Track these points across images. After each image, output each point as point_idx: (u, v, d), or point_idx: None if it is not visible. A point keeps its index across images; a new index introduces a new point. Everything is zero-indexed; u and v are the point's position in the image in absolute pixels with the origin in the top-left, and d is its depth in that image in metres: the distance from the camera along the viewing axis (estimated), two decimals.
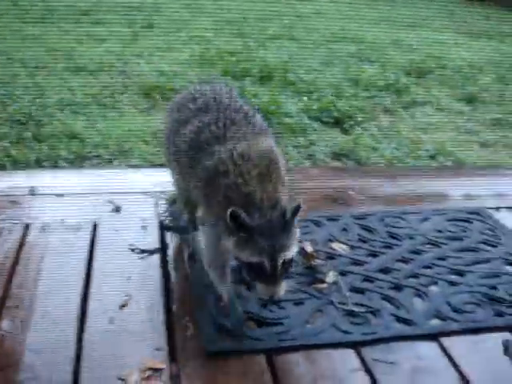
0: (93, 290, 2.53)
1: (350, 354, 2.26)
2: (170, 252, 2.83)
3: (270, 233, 2.12)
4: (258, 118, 2.57)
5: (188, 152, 2.49)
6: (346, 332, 2.33)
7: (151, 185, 3.49)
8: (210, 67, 7.32)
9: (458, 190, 3.75)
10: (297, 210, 2.16)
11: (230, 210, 2.09)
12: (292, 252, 2.20)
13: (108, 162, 4.75)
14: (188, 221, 2.83)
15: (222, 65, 7.40)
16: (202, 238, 2.58)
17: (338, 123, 5.99)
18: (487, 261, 2.89)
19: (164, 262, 2.76)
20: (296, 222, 2.21)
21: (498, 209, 3.47)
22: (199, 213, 2.63)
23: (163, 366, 2.14)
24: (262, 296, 2.22)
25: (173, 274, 2.68)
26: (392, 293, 2.57)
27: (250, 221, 2.12)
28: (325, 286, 2.58)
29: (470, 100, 7.04)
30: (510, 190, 3.79)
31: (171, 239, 2.92)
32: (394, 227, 3.11)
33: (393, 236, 3.02)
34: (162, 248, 2.85)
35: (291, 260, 2.21)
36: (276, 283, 2.16)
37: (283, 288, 2.19)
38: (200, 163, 2.37)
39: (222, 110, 2.49)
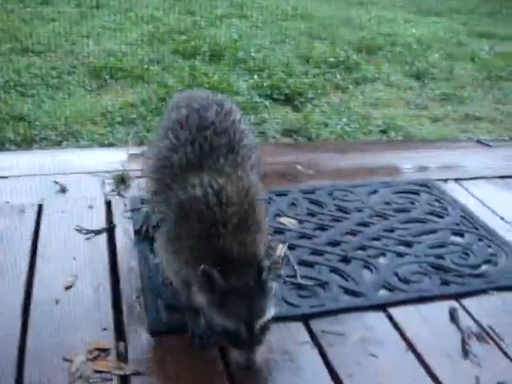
0: (38, 272, 2.46)
1: (298, 326, 2.26)
2: (117, 232, 2.77)
3: (247, 295, 1.90)
4: (246, 141, 2.24)
5: (161, 172, 2.22)
6: (294, 305, 2.32)
7: (98, 165, 3.42)
8: (159, 46, 7.23)
9: (407, 163, 3.78)
10: (274, 266, 2.03)
11: (201, 267, 1.87)
12: (269, 314, 1.95)
13: (57, 144, 4.66)
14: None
15: (172, 44, 7.31)
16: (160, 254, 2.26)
17: (288, 100, 6.00)
18: (434, 231, 2.92)
19: (111, 242, 2.70)
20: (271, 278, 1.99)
21: (445, 180, 3.51)
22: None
23: (110, 345, 2.10)
24: (238, 361, 1.98)
25: (120, 253, 2.62)
26: (340, 265, 2.58)
27: (225, 282, 1.87)
28: (273, 260, 2.56)
29: (420, 76, 7.13)
30: (457, 162, 3.84)
31: (118, 219, 2.86)
32: (343, 200, 3.11)
33: (341, 209, 3.03)
34: (109, 228, 2.79)
35: (268, 323, 1.96)
36: (252, 350, 1.93)
37: (259, 353, 1.96)
38: (171, 190, 2.10)
39: (203, 128, 2.17)
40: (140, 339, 2.15)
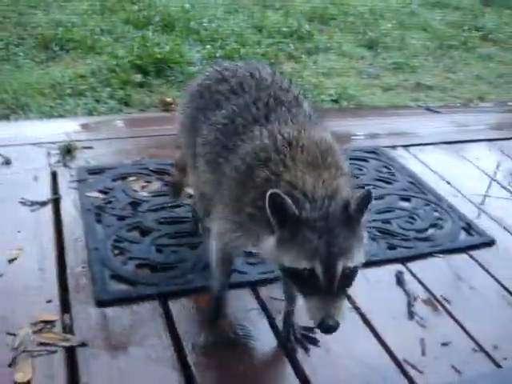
0: None
1: (247, 293, 2.26)
2: (63, 203, 2.71)
3: (327, 229, 1.54)
4: (308, 103, 2.03)
5: (219, 142, 1.94)
6: (242, 272, 2.33)
7: (43, 136, 3.34)
8: (110, 16, 7.08)
9: (357, 131, 3.79)
10: (366, 201, 1.58)
11: (270, 191, 1.54)
12: (356, 260, 1.59)
13: (4, 117, 4.53)
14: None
15: (123, 14, 7.16)
16: (213, 227, 1.99)
17: None
18: (382, 197, 2.94)
19: (56, 214, 2.64)
20: (364, 220, 1.63)
21: (394, 147, 3.53)
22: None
23: (55, 317, 2.07)
24: (311, 318, 1.58)
25: (65, 225, 2.57)
26: None
27: (298, 210, 1.56)
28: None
29: (372, 45, 7.14)
30: (406, 129, 3.87)
31: (64, 190, 2.80)
32: None
33: None
34: (54, 199, 2.73)
35: (355, 271, 1.61)
36: (333, 301, 1.56)
37: (343, 310, 1.58)
38: (234, 151, 1.83)
39: (264, 88, 1.97)
40: (86, 310, 2.12)
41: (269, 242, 1.63)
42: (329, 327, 1.54)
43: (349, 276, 1.58)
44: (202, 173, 2.09)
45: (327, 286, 1.54)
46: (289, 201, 1.54)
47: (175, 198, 2.71)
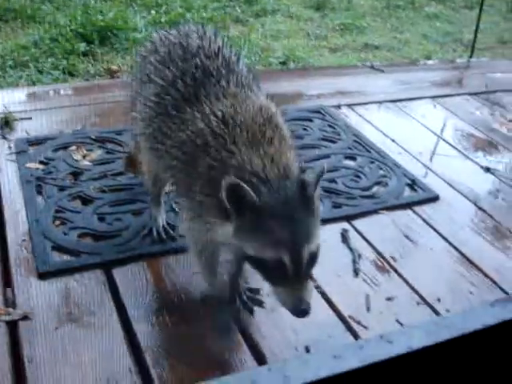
0: None
1: (190, 258, 2.22)
2: (2, 175, 2.63)
3: (288, 215, 1.50)
4: (242, 64, 1.90)
5: (153, 122, 1.86)
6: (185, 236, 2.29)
7: None
8: None
9: (302, 91, 3.77)
10: (319, 178, 1.55)
11: (225, 180, 1.49)
12: (318, 241, 1.58)
13: None
14: (153, 198, 2.35)
15: None
16: (183, 222, 1.95)
17: None
18: (327, 156, 2.95)
19: None
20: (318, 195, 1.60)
21: (338, 106, 3.53)
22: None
23: None
24: (283, 305, 1.58)
25: (5, 197, 2.50)
26: None
27: (257, 196, 1.50)
28: (164, 193, 2.51)
29: (319, 7, 7.11)
30: (350, 88, 3.85)
31: (3, 162, 2.72)
32: None
33: None
34: None
35: (318, 251, 1.59)
36: (302, 286, 1.55)
37: (310, 290, 1.61)
38: (169, 137, 1.77)
39: (190, 57, 1.84)
40: (28, 283, 2.08)
41: (225, 230, 1.59)
42: (302, 311, 1.55)
43: (314, 258, 1.57)
44: (145, 150, 2.05)
45: (295, 272, 1.52)
46: (247, 188, 1.48)
47: (127, 172, 2.63)
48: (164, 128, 1.80)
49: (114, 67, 4.94)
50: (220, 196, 1.51)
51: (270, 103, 1.81)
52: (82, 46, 5.20)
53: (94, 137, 2.91)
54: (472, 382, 1.21)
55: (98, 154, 2.78)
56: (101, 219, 2.37)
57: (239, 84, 1.80)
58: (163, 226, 2.32)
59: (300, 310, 1.54)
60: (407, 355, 1.04)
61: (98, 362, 1.81)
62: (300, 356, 0.97)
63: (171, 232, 2.31)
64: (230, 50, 1.94)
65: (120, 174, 2.64)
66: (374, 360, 1.01)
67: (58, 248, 2.21)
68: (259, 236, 1.52)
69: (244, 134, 1.63)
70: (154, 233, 2.29)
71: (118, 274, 2.14)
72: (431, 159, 3.13)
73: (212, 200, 1.59)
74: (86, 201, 2.48)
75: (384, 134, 3.25)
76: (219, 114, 1.68)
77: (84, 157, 2.76)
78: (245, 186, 1.47)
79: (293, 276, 1.52)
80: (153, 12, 6.18)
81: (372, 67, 4.23)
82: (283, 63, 5.32)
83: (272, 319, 2.01)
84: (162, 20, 5.94)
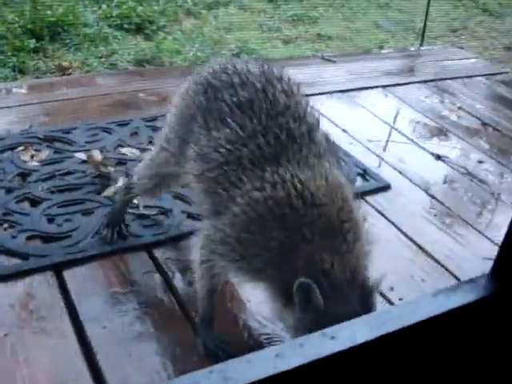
0: None
1: (143, 256, 2.22)
2: None
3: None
4: (319, 133, 1.82)
5: (219, 167, 1.74)
6: (137, 236, 2.28)
7: None
8: None
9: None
10: (378, 286, 1.60)
11: (300, 280, 1.49)
12: None
13: None
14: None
15: None
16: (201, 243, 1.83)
17: (139, 29, 5.78)
18: None
19: None
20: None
21: None
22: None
23: None
24: None
25: None
26: (183, 190, 2.53)
27: (324, 301, 1.50)
28: (115, 192, 2.49)
29: None
30: (301, 79, 3.78)
31: None
32: None
33: None
34: None
35: None
36: None
37: None
38: (238, 187, 1.68)
39: (276, 114, 1.74)
40: None
41: (287, 316, 1.60)
42: None
43: None
44: (192, 179, 1.90)
45: None
46: (317, 292, 1.48)
47: None
48: (233, 177, 1.71)
49: (65, 64, 4.85)
50: (286, 283, 1.53)
51: (342, 177, 1.78)
52: (32, 43, 5.09)
53: (42, 136, 2.85)
54: (418, 373, 1.22)
55: (46, 153, 2.73)
56: (50, 220, 2.33)
57: (318, 155, 1.74)
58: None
59: None
60: (351, 350, 1.04)
61: (50, 367, 1.78)
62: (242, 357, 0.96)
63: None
64: (313, 114, 1.84)
65: (69, 173, 2.60)
66: (318, 357, 1.01)
67: (7, 252, 2.16)
68: None
69: (321, 220, 1.60)
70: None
71: (69, 275, 2.11)
72: (383, 148, 3.15)
73: (276, 278, 1.59)
74: (34, 202, 2.43)
75: (335, 124, 3.27)
76: (299, 187, 1.63)
77: (32, 157, 2.70)
78: (315, 288, 1.48)
79: None
80: (104, 6, 6.08)
81: (323, 58, 4.24)
82: (236, 55, 5.29)
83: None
84: (114, 14, 5.85)
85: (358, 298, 1.53)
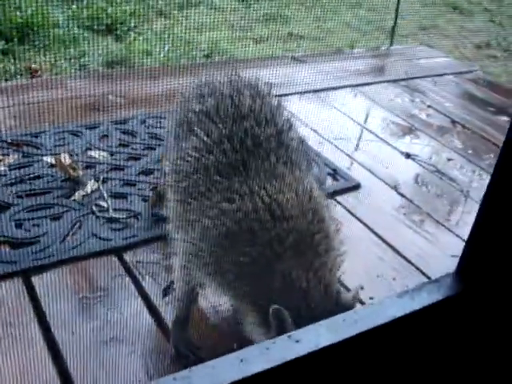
0: None
1: (112, 260, 2.21)
2: None
3: None
4: (290, 134, 1.78)
5: (189, 177, 1.73)
6: (107, 239, 2.26)
7: None
8: None
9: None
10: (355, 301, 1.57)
11: (273, 308, 1.45)
12: None
13: None
14: None
15: None
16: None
17: (110, 30, 5.75)
18: None
19: None
20: None
21: None
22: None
23: None
24: None
25: None
26: (153, 194, 2.52)
27: (297, 322, 1.44)
28: (84, 196, 2.47)
29: None
30: (271, 80, 3.84)
31: None
32: (156, 128, 3.04)
33: (154, 137, 2.95)
34: None
35: None
36: None
37: None
38: (207, 198, 1.64)
39: (241, 117, 1.71)
40: None
41: (258, 338, 1.56)
42: None
43: None
44: (173, 201, 1.87)
45: None
46: (289, 320, 1.45)
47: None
48: (202, 187, 1.67)
49: (35, 66, 4.80)
50: (259, 303, 1.51)
51: (313, 184, 1.72)
52: (1, 45, 5.02)
53: (9, 140, 2.81)
54: (384, 375, 1.23)
55: (14, 158, 2.70)
56: (18, 226, 2.30)
57: (288, 161, 1.68)
58: None
59: None
60: (315, 353, 1.05)
61: (19, 375, 1.75)
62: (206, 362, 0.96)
63: None
64: (283, 116, 1.81)
65: (37, 177, 2.57)
66: (282, 360, 1.01)
67: None
68: None
69: (292, 233, 1.55)
70: None
71: (38, 281, 2.08)
72: (353, 148, 3.17)
73: (250, 297, 1.56)
74: (2, 207, 2.39)
75: (305, 124, 3.27)
76: (267, 200, 1.58)
77: None
78: (288, 317, 1.44)
79: None
80: (74, 7, 6.02)
81: (293, 58, 4.24)
82: (207, 56, 5.29)
83: None
84: (84, 15, 5.80)
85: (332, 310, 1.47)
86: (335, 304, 1.54)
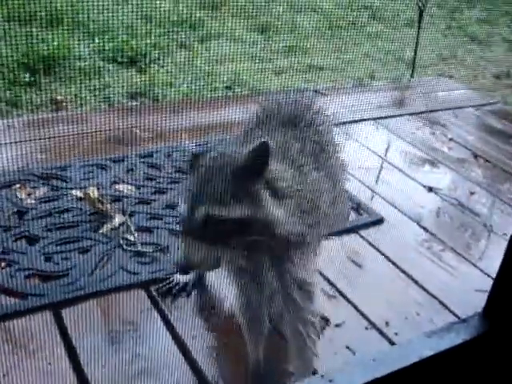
0: None
1: (140, 294, 2.24)
2: None
3: (207, 178, 1.59)
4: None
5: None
6: (134, 273, 2.30)
7: None
8: None
9: (246, 116, 3.79)
10: (263, 151, 1.59)
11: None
12: (230, 211, 1.56)
13: None
14: None
15: (6, 9, 6.87)
16: None
17: (133, 62, 5.84)
18: None
19: None
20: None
21: None
22: None
23: None
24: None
25: None
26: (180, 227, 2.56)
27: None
28: (112, 229, 2.51)
29: (264, 29, 7.16)
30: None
31: None
32: (182, 161, 3.09)
33: (180, 170, 3.00)
34: None
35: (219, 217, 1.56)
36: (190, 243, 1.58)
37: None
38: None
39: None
40: None
41: None
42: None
43: (213, 222, 1.55)
44: None
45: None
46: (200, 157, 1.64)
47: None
48: None
49: (59, 97, 4.89)
50: None
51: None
52: (27, 77, 5.13)
53: (38, 174, 2.88)
54: None
55: (42, 191, 2.75)
56: (48, 259, 2.34)
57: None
58: None
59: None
60: None
61: None
62: None
63: None
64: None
65: (65, 211, 2.62)
66: None
67: (5, 291, 2.18)
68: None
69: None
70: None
71: (67, 314, 2.12)
72: (375, 181, 3.19)
73: None
74: (31, 240, 2.44)
75: None
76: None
77: (29, 195, 2.72)
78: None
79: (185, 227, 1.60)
80: (97, 40, 6.15)
81: (315, 91, 4.29)
82: (228, 88, 5.36)
83: None
84: (107, 47, 5.92)
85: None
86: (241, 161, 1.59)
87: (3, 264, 2.31)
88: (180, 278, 2.25)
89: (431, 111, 4.19)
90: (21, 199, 2.69)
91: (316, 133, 1.98)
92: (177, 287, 2.23)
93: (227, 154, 1.64)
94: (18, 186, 2.78)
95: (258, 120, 2.07)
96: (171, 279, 2.25)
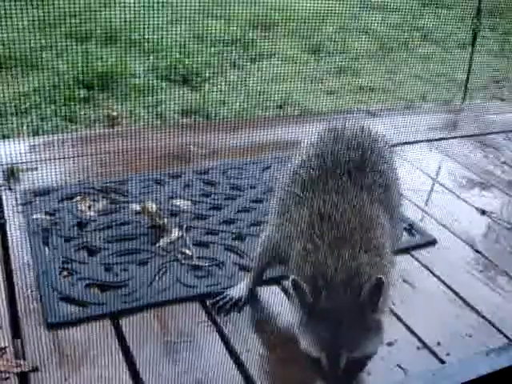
0: None
1: (196, 307, 2.29)
2: (9, 226, 2.69)
3: (336, 319, 1.63)
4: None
5: None
6: (190, 286, 2.35)
7: None
8: (51, 31, 6.99)
9: (299, 138, 3.84)
10: (378, 288, 1.64)
11: (291, 278, 1.67)
12: (367, 349, 1.69)
13: None
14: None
15: (65, 27, 7.08)
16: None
17: (186, 81, 5.95)
18: None
19: (3, 238, 2.62)
20: (380, 306, 1.70)
21: None
22: None
23: (6, 343, 2.06)
24: None
25: (12, 248, 2.56)
26: (235, 243, 2.62)
27: (313, 299, 1.66)
28: (169, 243, 2.58)
29: (315, 50, 7.21)
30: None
31: (8, 213, 2.78)
32: (236, 178, 3.15)
33: (235, 187, 3.06)
34: (0, 224, 2.71)
35: (365, 359, 1.72)
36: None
37: None
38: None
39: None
40: (37, 334, 2.11)
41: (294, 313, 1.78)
42: None
43: (356, 365, 1.69)
44: None
45: (331, 373, 1.65)
46: (306, 290, 1.65)
47: None
48: None
49: (114, 113, 5.02)
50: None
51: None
52: (83, 93, 5.28)
53: (98, 187, 2.97)
54: None
55: (102, 204, 2.85)
56: (107, 269, 2.42)
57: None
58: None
59: None
60: None
61: None
62: None
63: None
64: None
65: (124, 223, 2.70)
66: None
67: (66, 299, 2.26)
68: (308, 333, 1.69)
69: (334, 233, 1.77)
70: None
71: (126, 324, 2.19)
72: (427, 202, 3.20)
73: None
74: (92, 251, 2.53)
75: None
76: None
77: (89, 207, 2.82)
78: (305, 288, 1.65)
79: (329, 375, 1.67)
80: (151, 58, 6.29)
81: (368, 112, 4.32)
82: (280, 107, 5.42)
83: None
84: (161, 66, 6.05)
85: (351, 296, 1.65)
86: (357, 295, 1.65)
87: (65, 273, 2.40)
88: (234, 294, 2.30)
89: (484, 134, 4.17)
90: (81, 211, 2.78)
91: (382, 176, 2.16)
92: (230, 302, 2.28)
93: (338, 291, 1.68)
94: (78, 198, 2.88)
95: (322, 143, 2.20)
96: (225, 294, 2.30)
